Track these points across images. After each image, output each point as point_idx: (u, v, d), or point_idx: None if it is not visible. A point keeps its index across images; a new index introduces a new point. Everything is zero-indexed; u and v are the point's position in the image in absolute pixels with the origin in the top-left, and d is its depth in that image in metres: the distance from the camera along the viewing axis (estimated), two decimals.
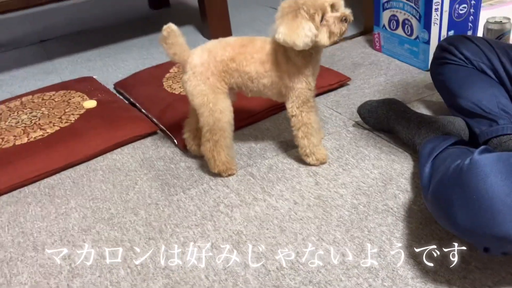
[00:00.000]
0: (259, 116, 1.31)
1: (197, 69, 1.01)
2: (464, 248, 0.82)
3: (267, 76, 1.01)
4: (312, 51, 0.99)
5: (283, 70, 1.00)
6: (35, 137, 1.28)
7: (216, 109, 1.01)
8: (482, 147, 0.73)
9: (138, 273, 0.87)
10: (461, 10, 1.42)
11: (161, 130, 1.32)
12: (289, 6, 0.93)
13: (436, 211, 0.77)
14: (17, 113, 1.43)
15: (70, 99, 1.48)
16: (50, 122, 1.35)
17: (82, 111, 1.39)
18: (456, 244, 0.82)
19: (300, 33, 0.91)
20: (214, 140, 1.04)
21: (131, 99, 1.49)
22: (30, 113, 1.42)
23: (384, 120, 1.13)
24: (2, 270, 0.91)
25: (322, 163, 1.09)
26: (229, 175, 1.09)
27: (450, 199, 0.70)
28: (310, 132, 1.05)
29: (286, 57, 0.99)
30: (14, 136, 1.30)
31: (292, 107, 1.03)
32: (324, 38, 0.94)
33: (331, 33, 0.94)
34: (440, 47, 1.15)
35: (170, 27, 0.98)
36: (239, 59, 1.00)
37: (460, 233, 0.72)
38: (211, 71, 1.00)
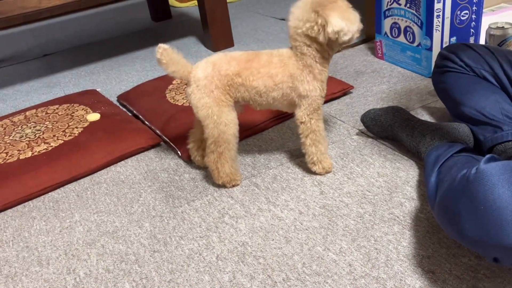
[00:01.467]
0: (263, 126, 1.31)
1: (201, 82, 1.01)
2: (473, 256, 0.81)
3: (277, 89, 1.01)
4: (330, 53, 1.00)
5: (298, 80, 0.99)
6: (39, 151, 1.28)
7: (221, 122, 1.01)
8: (488, 155, 0.72)
9: (143, 287, 0.86)
10: (462, 16, 1.42)
11: (165, 141, 1.32)
12: (321, 1, 0.93)
13: (443, 222, 0.76)
14: (21, 127, 1.44)
15: (73, 113, 1.48)
16: (54, 135, 1.35)
17: (85, 124, 1.39)
18: (464, 253, 0.81)
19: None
20: (219, 152, 1.04)
21: (134, 111, 1.49)
22: (34, 127, 1.42)
23: (388, 128, 1.13)
24: (7, 286, 0.91)
25: (328, 172, 1.09)
26: (233, 186, 1.09)
27: (457, 210, 0.70)
28: (318, 139, 1.05)
29: (301, 66, 0.99)
30: (18, 150, 1.30)
31: (302, 114, 1.03)
32: (355, 35, 0.97)
33: (357, 30, 0.97)
34: (441, 56, 1.14)
35: (161, 47, 0.98)
36: (245, 74, 1.00)
37: (468, 244, 0.71)
38: (215, 85, 1.00)
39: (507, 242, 0.63)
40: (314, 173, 1.09)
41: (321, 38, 0.94)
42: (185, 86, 1.55)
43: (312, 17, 0.93)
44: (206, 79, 1.00)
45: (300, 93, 1.01)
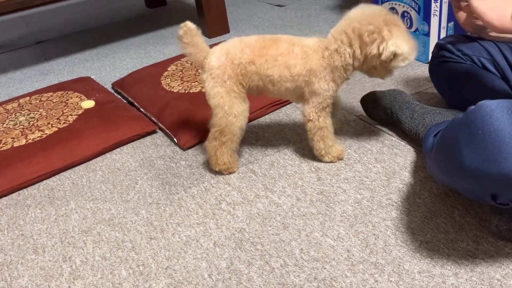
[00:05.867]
0: (260, 113, 1.30)
1: (214, 72, 0.98)
2: (471, 241, 0.81)
3: (292, 80, 0.97)
4: (357, 67, 0.97)
5: (317, 76, 0.96)
6: (33, 139, 1.26)
7: (231, 113, 0.99)
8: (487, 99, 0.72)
9: (140, 274, 0.86)
10: None
11: (160, 129, 1.30)
12: (390, 19, 0.90)
13: (441, 159, 0.75)
14: (15, 115, 1.42)
15: (68, 100, 1.46)
16: (48, 123, 1.33)
17: (80, 112, 1.38)
18: (463, 238, 0.81)
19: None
20: (222, 141, 1.03)
21: (129, 98, 1.48)
22: (28, 114, 1.41)
23: (388, 110, 1.12)
24: (3, 274, 0.90)
25: (340, 158, 1.07)
26: (230, 173, 1.08)
27: (456, 139, 0.69)
28: (326, 135, 1.03)
29: (325, 64, 0.95)
30: (12, 138, 1.28)
31: (311, 112, 1.00)
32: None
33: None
34: (438, 46, 1.13)
35: (187, 25, 0.96)
36: (259, 62, 0.97)
37: (466, 178, 0.69)
38: (228, 74, 0.98)
39: (504, 167, 0.63)
40: (312, 159, 1.08)
41: (371, 48, 0.91)
42: (180, 72, 1.54)
43: (378, 24, 0.90)
44: (219, 68, 0.98)
45: (314, 90, 0.98)
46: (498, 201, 0.70)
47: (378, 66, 0.94)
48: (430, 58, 1.20)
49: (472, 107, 0.68)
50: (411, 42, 0.92)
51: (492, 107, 0.65)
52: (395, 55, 0.90)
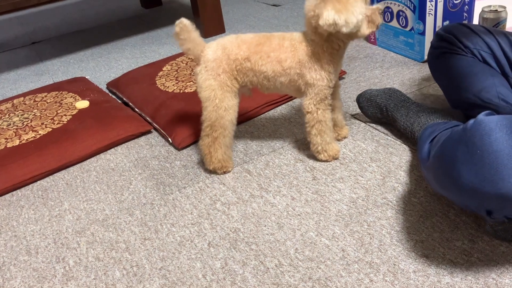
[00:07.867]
0: (255, 113, 1.29)
1: (209, 64, 1.00)
2: (466, 240, 0.81)
3: (285, 74, 0.99)
4: (341, 44, 0.96)
5: (306, 67, 0.97)
6: (27, 139, 1.26)
7: (221, 106, 1.00)
8: (486, 111, 0.70)
9: (134, 274, 0.85)
10: None
11: (155, 128, 1.30)
12: None
13: (438, 173, 0.74)
14: (9, 115, 1.41)
15: (62, 100, 1.45)
16: (42, 123, 1.33)
17: (74, 112, 1.37)
18: (458, 237, 0.81)
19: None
20: (214, 137, 1.03)
21: (124, 99, 1.47)
22: (22, 115, 1.40)
23: (383, 108, 1.11)
24: None
25: (335, 158, 1.07)
26: (224, 172, 1.08)
27: (454, 156, 0.68)
28: (324, 129, 1.03)
29: (310, 53, 0.96)
30: (6, 138, 1.28)
31: (309, 104, 1.01)
32: (364, 27, 0.93)
33: (370, 23, 0.94)
34: (438, 36, 1.12)
35: (182, 22, 0.97)
36: (254, 59, 0.98)
37: (462, 194, 0.69)
38: (223, 68, 0.99)
39: (501, 187, 0.62)
40: (307, 158, 1.08)
41: (319, 28, 0.91)
42: (175, 72, 1.53)
43: (315, 7, 0.90)
44: (214, 61, 0.99)
45: (307, 81, 0.98)
46: (493, 217, 0.69)
47: (349, 34, 0.94)
48: (426, 54, 1.19)
49: (471, 122, 0.67)
50: (349, 7, 0.88)
51: (492, 125, 0.64)
52: (333, 25, 0.89)
